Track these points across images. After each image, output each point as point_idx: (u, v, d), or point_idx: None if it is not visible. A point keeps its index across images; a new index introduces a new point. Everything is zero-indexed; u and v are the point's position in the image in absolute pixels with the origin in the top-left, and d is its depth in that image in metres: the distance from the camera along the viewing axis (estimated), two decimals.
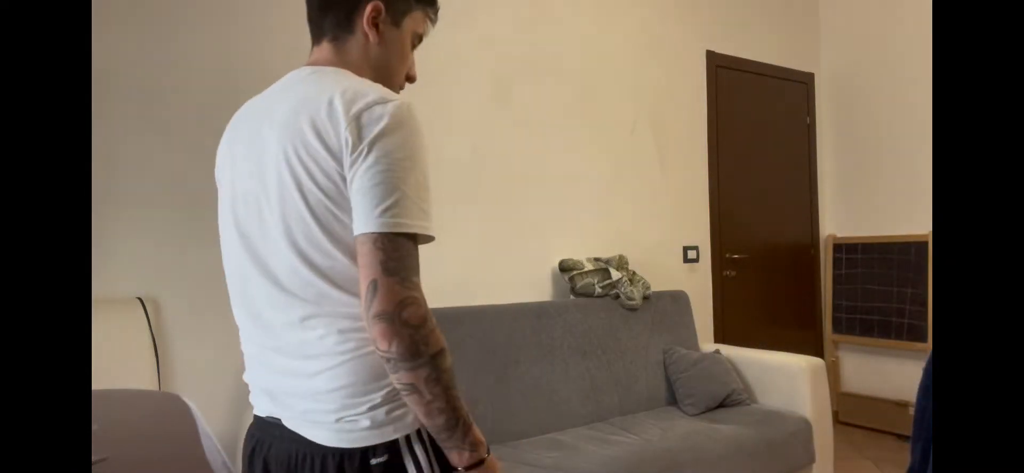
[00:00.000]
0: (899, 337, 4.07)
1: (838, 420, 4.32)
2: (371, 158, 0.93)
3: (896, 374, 4.11)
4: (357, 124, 0.94)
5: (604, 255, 3.40)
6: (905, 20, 4.11)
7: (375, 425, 0.99)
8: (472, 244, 3.08)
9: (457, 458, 1.02)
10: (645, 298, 3.30)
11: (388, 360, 0.94)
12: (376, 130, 0.94)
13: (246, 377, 1.13)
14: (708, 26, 3.98)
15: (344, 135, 0.94)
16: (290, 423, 1.03)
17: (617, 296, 3.24)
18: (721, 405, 3.06)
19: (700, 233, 3.92)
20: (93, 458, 0.81)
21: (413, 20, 1.12)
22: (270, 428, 1.07)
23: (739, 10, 4.14)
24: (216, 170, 1.17)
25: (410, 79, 1.18)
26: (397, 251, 0.93)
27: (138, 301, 2.30)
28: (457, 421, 0.99)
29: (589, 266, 3.29)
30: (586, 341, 3.03)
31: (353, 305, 0.99)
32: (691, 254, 3.86)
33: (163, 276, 2.40)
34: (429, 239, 0.98)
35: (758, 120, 4.21)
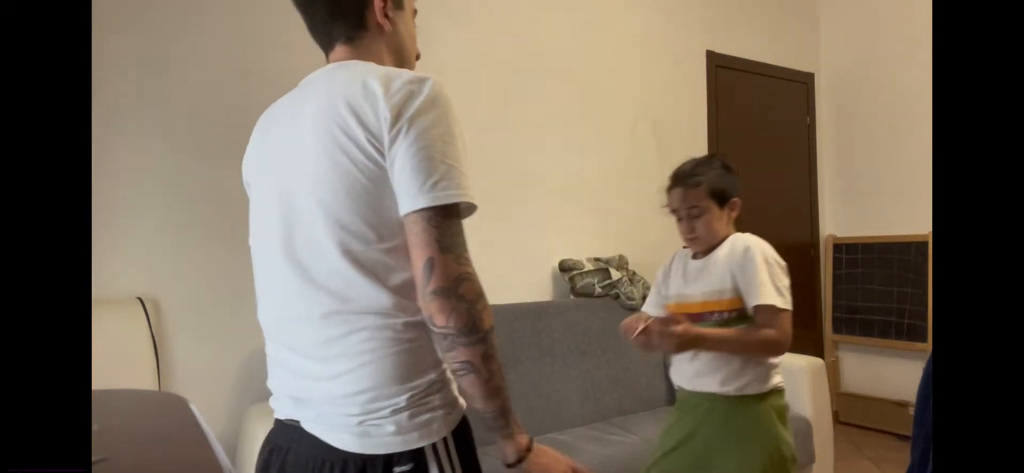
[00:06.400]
0: (899, 337, 4.07)
1: (838, 420, 4.31)
2: (412, 134, 0.93)
3: (896, 374, 4.11)
4: (395, 102, 0.93)
5: (604, 255, 3.39)
6: (905, 20, 4.11)
7: (400, 431, 0.95)
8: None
9: (511, 448, 1.03)
10: (645, 298, 3.29)
11: (445, 336, 0.93)
12: (414, 107, 0.94)
13: (269, 383, 1.11)
14: (708, 26, 3.98)
15: (383, 113, 0.93)
16: (309, 426, 1.00)
17: (617, 296, 3.24)
18: None
19: None
20: (93, 458, 0.81)
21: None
22: (289, 432, 1.03)
23: (739, 10, 4.14)
24: (244, 174, 1.18)
25: (416, 56, 1.19)
26: (450, 227, 0.94)
27: (138, 301, 2.30)
28: (508, 407, 1.00)
29: (589, 266, 3.29)
30: (586, 341, 3.03)
31: (379, 299, 0.96)
32: None
33: (163, 276, 2.40)
34: (473, 209, 0.97)
35: (758, 120, 4.21)
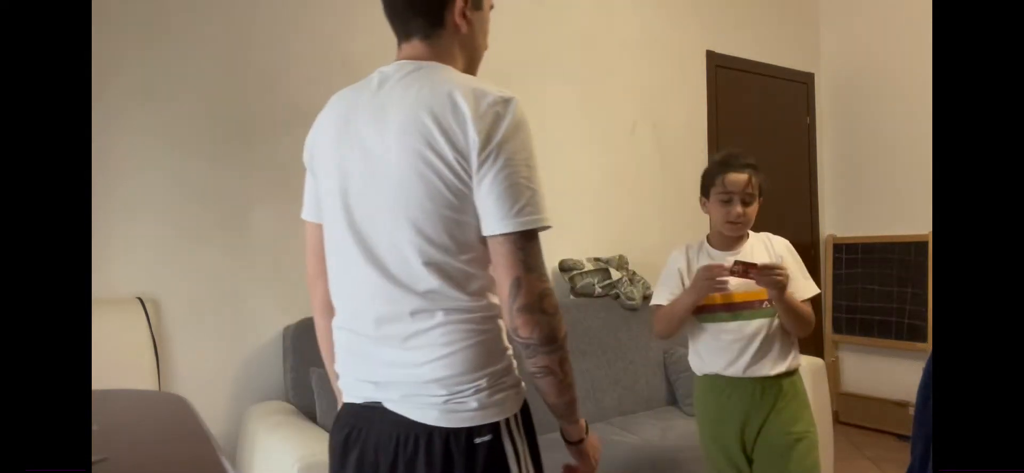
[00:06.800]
0: (899, 337, 4.07)
1: (838, 420, 4.31)
2: (500, 160, 1.01)
3: (896, 374, 4.11)
4: (484, 125, 1.01)
5: (604, 255, 3.39)
6: (905, 20, 4.11)
7: (481, 407, 1.06)
8: None
9: (575, 432, 1.18)
10: (645, 298, 3.29)
11: (528, 346, 1.04)
12: (501, 132, 1.02)
13: (337, 367, 1.19)
14: (708, 26, 3.98)
15: (472, 137, 1.01)
16: (392, 406, 1.09)
17: (617, 296, 3.24)
18: None
19: (700, 233, 3.91)
20: (93, 458, 0.81)
21: None
22: (368, 413, 1.12)
23: (739, 10, 4.14)
24: (306, 155, 1.22)
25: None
26: (533, 248, 1.05)
27: (138, 301, 2.30)
28: (576, 398, 1.14)
29: (589, 266, 3.29)
30: (586, 341, 3.03)
31: (461, 300, 1.06)
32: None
33: (163, 276, 2.40)
34: (547, 228, 1.07)
35: (758, 120, 4.21)
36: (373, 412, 1.11)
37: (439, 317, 1.06)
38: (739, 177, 1.87)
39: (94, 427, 0.88)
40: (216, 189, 2.50)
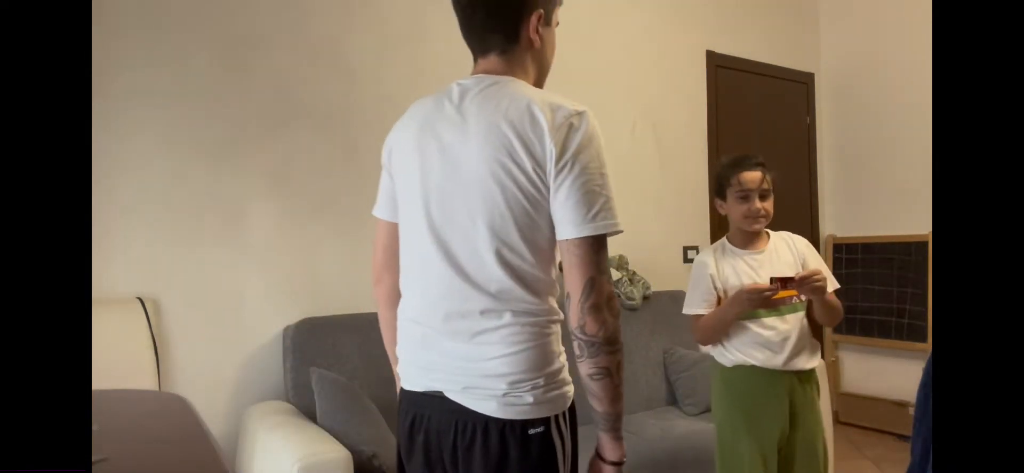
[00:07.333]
0: (899, 337, 4.07)
1: (838, 420, 4.31)
2: (576, 169, 1.11)
3: (896, 374, 4.11)
4: (560, 136, 1.11)
5: None
6: (905, 20, 4.11)
7: (536, 402, 1.15)
8: None
9: (618, 451, 1.20)
10: (645, 298, 3.29)
11: (592, 344, 1.12)
12: (576, 143, 1.12)
13: (399, 351, 1.28)
14: (708, 26, 3.98)
15: (549, 147, 1.10)
16: (453, 396, 1.17)
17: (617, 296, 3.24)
18: None
19: (700, 233, 3.92)
20: (93, 458, 0.81)
21: (556, 13, 1.31)
22: (428, 400, 1.21)
23: (739, 10, 4.14)
24: (384, 156, 1.32)
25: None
26: (605, 251, 1.14)
27: (138, 301, 2.30)
28: (622, 412, 1.19)
29: None
30: None
31: (530, 303, 1.16)
32: (691, 254, 3.86)
33: (163, 276, 2.40)
34: (618, 232, 1.15)
35: (758, 120, 4.21)
36: (433, 400, 1.20)
37: (507, 318, 1.15)
38: (754, 174, 1.99)
39: (94, 427, 0.88)
40: (216, 189, 2.50)
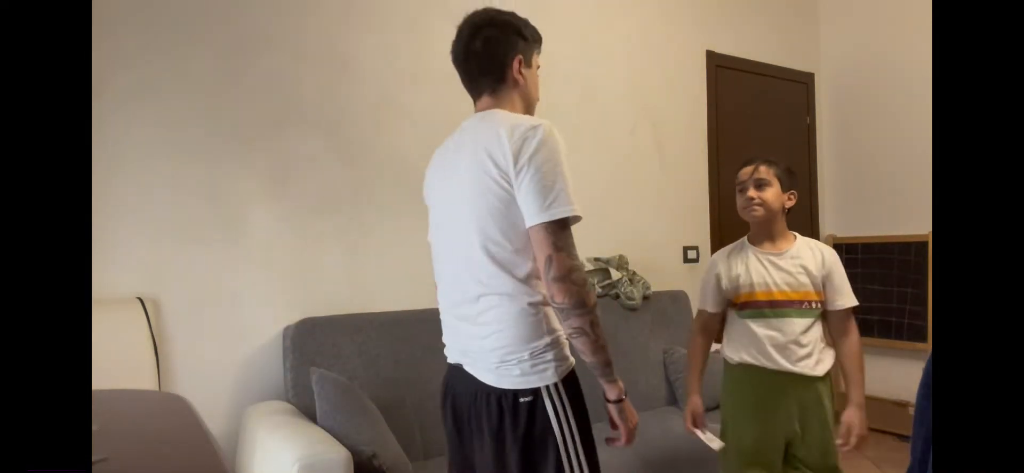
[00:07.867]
0: (899, 337, 4.07)
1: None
2: (531, 169, 1.32)
3: (896, 374, 4.11)
4: (516, 146, 1.34)
5: (604, 255, 3.39)
6: (905, 20, 4.11)
7: (522, 374, 1.38)
8: None
9: (614, 390, 1.47)
10: (645, 298, 3.29)
11: (562, 310, 1.34)
12: (531, 149, 1.33)
13: (445, 339, 1.57)
14: (708, 26, 3.98)
15: (508, 156, 1.34)
16: (470, 368, 1.46)
17: (617, 296, 3.24)
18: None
19: (700, 233, 3.92)
20: (93, 458, 0.81)
21: (536, 58, 1.57)
22: (456, 372, 1.51)
23: (739, 10, 4.14)
24: (425, 193, 1.65)
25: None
26: (564, 233, 1.34)
27: (138, 301, 2.30)
28: (610, 360, 1.42)
29: (589, 266, 3.29)
30: None
31: (511, 286, 1.38)
32: (691, 254, 3.86)
33: (163, 276, 2.40)
34: (578, 219, 1.35)
35: (758, 120, 4.21)
36: (459, 371, 1.50)
37: (494, 300, 1.39)
38: (747, 168, 2.07)
39: (94, 427, 0.88)
40: (216, 189, 2.50)
